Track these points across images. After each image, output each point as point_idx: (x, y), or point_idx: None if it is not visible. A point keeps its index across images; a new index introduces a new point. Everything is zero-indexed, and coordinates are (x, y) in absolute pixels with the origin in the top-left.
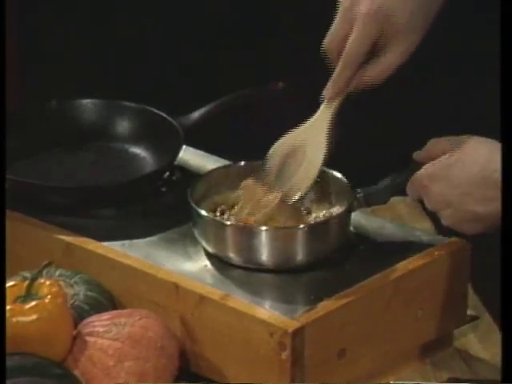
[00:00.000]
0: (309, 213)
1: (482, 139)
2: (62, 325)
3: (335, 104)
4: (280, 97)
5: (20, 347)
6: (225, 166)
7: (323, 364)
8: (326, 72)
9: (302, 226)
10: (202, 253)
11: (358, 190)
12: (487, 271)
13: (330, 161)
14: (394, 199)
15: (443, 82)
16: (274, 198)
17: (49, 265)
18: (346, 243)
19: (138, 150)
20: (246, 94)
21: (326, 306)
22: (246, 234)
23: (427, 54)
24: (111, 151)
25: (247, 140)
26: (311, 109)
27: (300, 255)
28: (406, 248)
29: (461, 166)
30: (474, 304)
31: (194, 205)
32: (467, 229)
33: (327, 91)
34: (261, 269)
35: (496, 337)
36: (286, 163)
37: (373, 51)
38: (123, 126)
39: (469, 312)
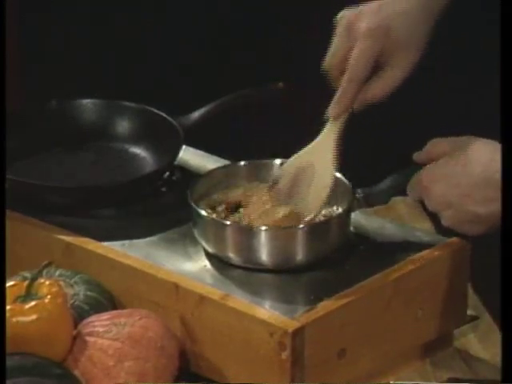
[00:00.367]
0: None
1: (483, 140)
2: (61, 325)
3: (340, 122)
4: (280, 97)
5: (20, 347)
6: (225, 166)
7: (323, 364)
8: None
9: (301, 225)
10: (202, 253)
11: (359, 191)
12: (487, 271)
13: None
14: (394, 199)
15: (443, 82)
16: (281, 212)
17: (49, 265)
18: (346, 243)
19: (137, 150)
20: (245, 94)
21: (325, 305)
22: (246, 234)
23: (427, 56)
24: (111, 151)
25: (247, 140)
26: (311, 109)
27: (300, 255)
28: (406, 248)
29: (461, 167)
30: (473, 304)
31: (193, 205)
32: (468, 230)
33: (332, 110)
34: (261, 269)
35: (496, 337)
36: (295, 184)
37: (375, 68)
38: (123, 125)
39: (469, 312)
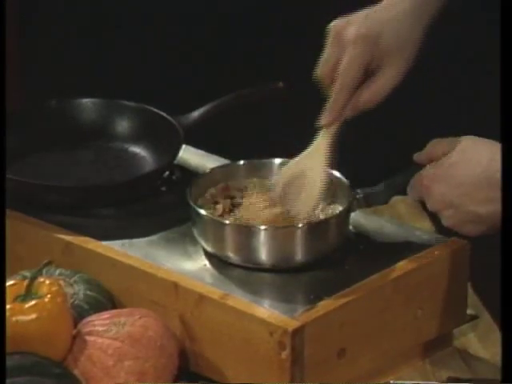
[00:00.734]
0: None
1: (483, 140)
2: (61, 324)
3: (333, 130)
4: (280, 96)
5: (20, 346)
6: (224, 165)
7: (323, 363)
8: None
9: (301, 225)
10: (202, 252)
11: (358, 191)
12: (487, 271)
13: (331, 161)
14: (394, 199)
15: (443, 83)
16: (275, 212)
17: (48, 264)
18: (345, 243)
19: (137, 150)
20: (245, 93)
21: (325, 305)
22: (246, 233)
23: (427, 56)
24: (111, 150)
25: (247, 139)
26: (311, 109)
27: (299, 254)
28: (406, 247)
29: (462, 167)
30: (473, 303)
31: (192, 204)
32: (468, 230)
33: (324, 118)
34: (260, 268)
35: (496, 336)
36: (289, 188)
37: (366, 75)
38: (123, 125)
39: (468, 311)
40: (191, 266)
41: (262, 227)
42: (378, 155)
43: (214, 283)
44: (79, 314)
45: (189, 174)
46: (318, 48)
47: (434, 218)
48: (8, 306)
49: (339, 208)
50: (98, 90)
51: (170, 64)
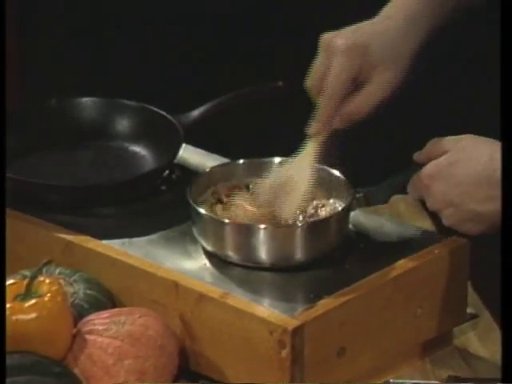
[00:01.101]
0: (308, 211)
1: (482, 138)
2: (61, 323)
3: (320, 140)
4: (280, 96)
5: (20, 345)
6: (224, 164)
7: (323, 362)
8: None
9: (300, 224)
10: (202, 251)
11: (359, 190)
12: (487, 269)
13: (331, 160)
14: (394, 198)
15: (443, 82)
16: (259, 213)
17: (48, 263)
18: (345, 242)
19: (137, 149)
20: (245, 92)
21: (325, 304)
22: (245, 232)
23: (427, 56)
24: (111, 150)
25: (247, 138)
26: (311, 108)
27: (299, 253)
28: (406, 246)
29: (462, 166)
30: (473, 302)
31: (192, 203)
32: (469, 229)
33: (311, 128)
34: (260, 267)
35: (496, 335)
36: (276, 192)
37: (355, 86)
38: (123, 124)
39: (468, 310)
40: (191, 265)
41: (262, 226)
42: (378, 155)
43: (214, 282)
44: (79, 313)
45: (189, 173)
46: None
47: (434, 217)
48: (8, 305)
49: (339, 207)
50: (98, 90)
51: (170, 64)
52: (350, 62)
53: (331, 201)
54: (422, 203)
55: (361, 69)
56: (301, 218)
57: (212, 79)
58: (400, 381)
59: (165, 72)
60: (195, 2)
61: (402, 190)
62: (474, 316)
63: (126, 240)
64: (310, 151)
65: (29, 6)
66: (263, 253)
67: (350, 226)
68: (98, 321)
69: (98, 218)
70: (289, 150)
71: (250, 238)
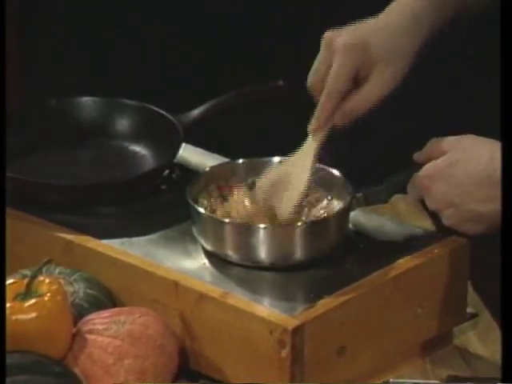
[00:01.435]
0: (308, 210)
1: (482, 138)
2: (61, 322)
3: (320, 137)
4: (280, 95)
5: (20, 345)
6: (223, 164)
7: (323, 362)
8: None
9: (300, 223)
10: (202, 251)
11: (359, 190)
12: (487, 269)
13: (331, 160)
14: (394, 197)
15: (443, 82)
16: (256, 209)
17: (48, 262)
18: (345, 241)
19: (137, 148)
20: (245, 92)
21: (325, 303)
22: (245, 231)
23: (427, 56)
24: (111, 149)
25: (247, 138)
26: (311, 107)
27: (299, 253)
28: (406, 246)
29: (462, 166)
30: (473, 302)
31: (192, 202)
32: (469, 229)
33: (311, 125)
34: (260, 266)
35: (495, 334)
36: (274, 189)
37: (356, 84)
38: (123, 123)
39: (468, 310)
40: (191, 264)
41: (262, 226)
42: (377, 155)
43: (214, 282)
44: (79, 312)
45: (189, 173)
46: (318, 48)
47: (434, 216)
48: (8, 305)
49: (339, 207)
50: (98, 90)
51: (170, 64)
52: (351, 60)
53: (331, 200)
54: (422, 203)
55: (362, 66)
56: (303, 217)
57: (212, 79)
58: (400, 380)
59: (165, 72)
60: (195, 2)
61: (402, 190)
62: (473, 315)
63: (125, 239)
64: (309, 149)
65: (29, 5)
66: (263, 252)
67: (350, 225)
68: (98, 320)
69: (98, 217)
70: (289, 149)
71: (250, 238)
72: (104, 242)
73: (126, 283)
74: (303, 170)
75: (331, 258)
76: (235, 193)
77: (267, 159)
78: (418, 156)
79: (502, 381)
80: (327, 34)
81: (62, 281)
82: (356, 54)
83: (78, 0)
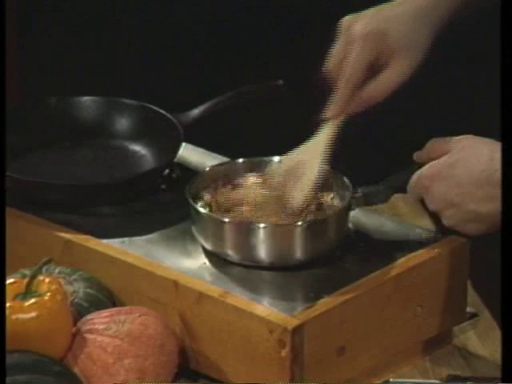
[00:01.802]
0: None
1: (482, 139)
2: (61, 322)
3: (336, 123)
4: (279, 95)
5: (19, 344)
6: (223, 163)
7: (323, 361)
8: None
9: (300, 223)
10: (201, 250)
11: (358, 189)
12: (487, 269)
13: (331, 160)
14: (394, 197)
15: (443, 82)
16: (267, 194)
17: (48, 262)
18: (345, 241)
19: (137, 148)
20: (245, 91)
21: (325, 303)
22: (245, 231)
23: (427, 56)
24: (110, 148)
25: (247, 137)
26: (311, 108)
27: (299, 252)
28: (406, 245)
29: (462, 166)
30: (473, 301)
31: (191, 202)
32: (469, 229)
33: (328, 111)
34: (260, 266)
35: (495, 334)
36: (287, 176)
37: (373, 71)
38: (122, 123)
39: (468, 309)
40: (191, 264)
41: (262, 225)
42: (377, 155)
43: (214, 281)
44: (79, 312)
45: (189, 172)
46: (318, 47)
47: (434, 216)
48: (8, 304)
49: (339, 206)
50: (98, 90)
51: (170, 62)
52: (369, 48)
53: (331, 200)
54: (422, 203)
55: (379, 54)
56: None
57: (212, 79)
58: (400, 380)
59: (165, 72)
60: (195, 2)
61: (402, 190)
62: (473, 315)
63: (125, 239)
64: (324, 136)
65: (29, 6)
66: (263, 252)
67: (350, 225)
68: (98, 320)
69: (97, 216)
70: (289, 150)
71: (250, 237)
72: (104, 241)
73: (126, 283)
74: (317, 157)
75: (331, 258)
76: (248, 180)
77: (267, 159)
78: (417, 156)
79: (502, 380)
80: (345, 20)
81: (61, 280)
82: (374, 41)
83: (77, 0)
